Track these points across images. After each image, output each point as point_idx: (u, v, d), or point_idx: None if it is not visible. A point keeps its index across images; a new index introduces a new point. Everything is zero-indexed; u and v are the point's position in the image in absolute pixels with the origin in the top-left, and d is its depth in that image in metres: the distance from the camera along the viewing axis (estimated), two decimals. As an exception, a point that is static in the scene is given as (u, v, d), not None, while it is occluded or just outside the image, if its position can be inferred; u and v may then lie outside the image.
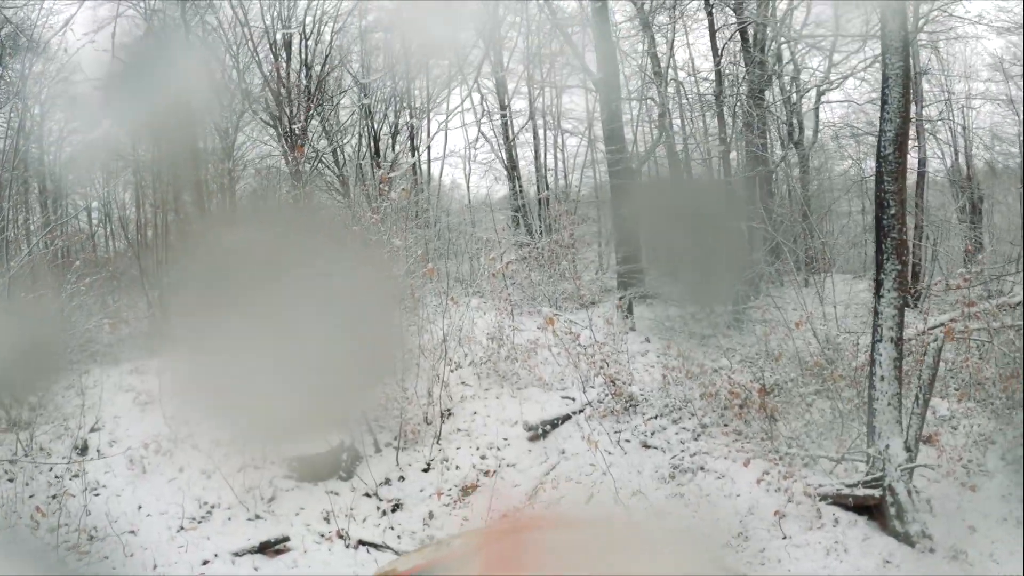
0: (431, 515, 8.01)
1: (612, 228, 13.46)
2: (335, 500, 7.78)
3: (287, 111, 14.34)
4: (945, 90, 14.79)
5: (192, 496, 7.56)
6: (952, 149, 15.19)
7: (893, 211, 7.46)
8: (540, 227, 13.99)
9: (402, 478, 8.53)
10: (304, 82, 14.69)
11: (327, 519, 7.52)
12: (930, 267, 13.82)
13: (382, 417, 9.06)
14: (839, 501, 7.32)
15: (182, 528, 7.19)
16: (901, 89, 7.65)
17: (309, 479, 8.07)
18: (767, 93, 14.37)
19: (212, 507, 7.53)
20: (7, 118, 13.20)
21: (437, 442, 8.94)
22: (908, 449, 7.32)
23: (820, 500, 7.30)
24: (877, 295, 7.50)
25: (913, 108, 13.63)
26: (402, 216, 11.08)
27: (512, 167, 14.72)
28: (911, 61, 13.56)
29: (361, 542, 7.23)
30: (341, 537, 7.27)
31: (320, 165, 15.19)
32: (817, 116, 14.98)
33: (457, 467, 8.57)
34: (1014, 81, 14.02)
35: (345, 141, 15.55)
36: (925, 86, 14.48)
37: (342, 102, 15.48)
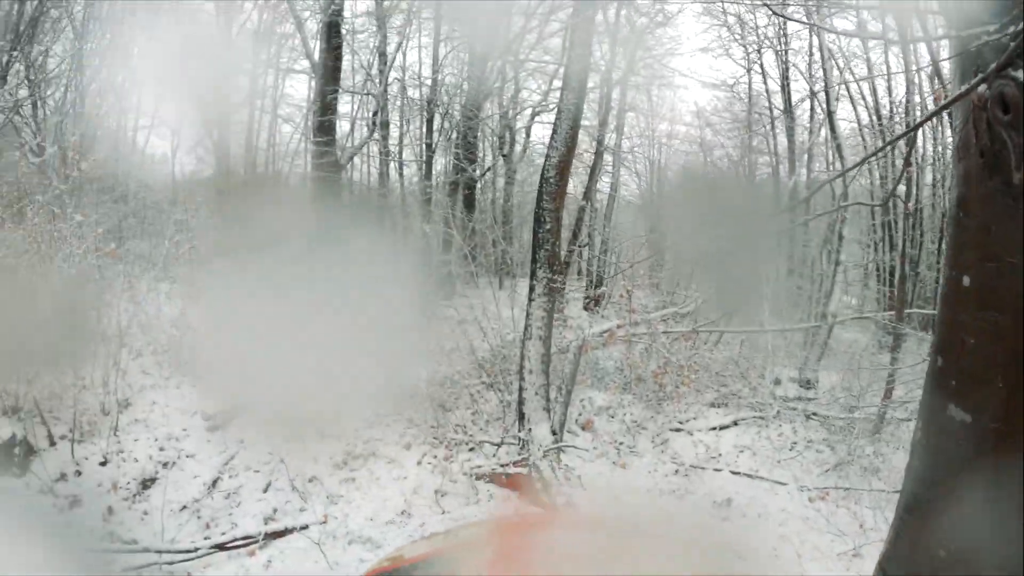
0: (110, 510, 7.87)
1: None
2: (8, 501, 7.43)
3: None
4: (649, 127, 17.19)
5: None
6: (648, 178, 17.65)
7: (548, 226, 8.79)
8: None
9: (79, 472, 8.26)
10: (14, 17, 13.46)
11: None
12: (612, 278, 15.93)
13: (57, 408, 8.76)
14: (494, 479, 8.44)
15: None
16: (571, 123, 8.97)
17: None
18: (485, 105, 15.77)
19: None
20: None
21: (115, 433, 8.81)
22: (554, 432, 8.62)
23: (477, 479, 8.36)
24: (529, 299, 8.80)
25: (614, 138, 15.74)
26: (94, 188, 10.71)
27: (221, 146, 14.64)
28: (624, 97, 15.73)
29: None
30: None
31: (17, 119, 13.98)
32: (529, 133, 16.66)
33: (136, 459, 8.53)
34: (711, 127, 16.63)
35: (49, 93, 14.44)
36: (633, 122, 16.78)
37: (54, 48, 14.39)
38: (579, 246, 15.00)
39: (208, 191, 14.29)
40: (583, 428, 10.22)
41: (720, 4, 14.42)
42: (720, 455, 9.94)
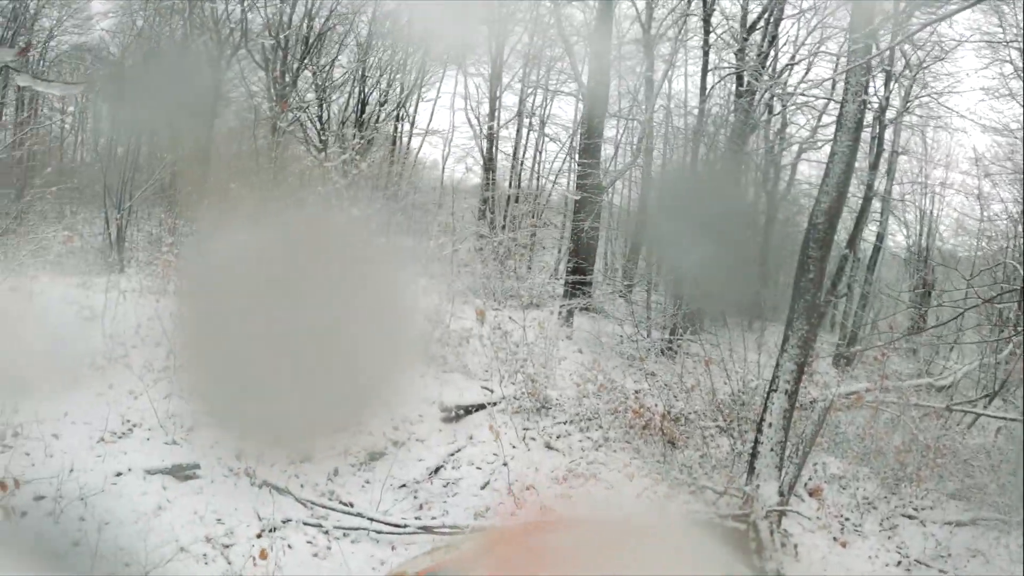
0: (336, 472, 8.83)
1: (568, 237, 14.41)
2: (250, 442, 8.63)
3: (281, 56, 15.06)
4: (923, 173, 15.98)
5: (116, 413, 8.31)
6: (917, 229, 16.40)
7: (811, 275, 8.43)
8: (503, 222, 14.92)
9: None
10: (305, 31, 15.41)
11: (238, 457, 8.29)
12: (869, 335, 14.99)
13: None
14: (709, 528, 8.33)
15: (102, 439, 7.95)
16: (844, 166, 8.49)
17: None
18: (751, 139, 15.47)
19: (134, 426, 8.29)
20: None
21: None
22: (781, 494, 8.36)
23: (691, 524, 8.31)
24: (782, 350, 8.51)
25: (884, 184, 14.84)
26: (369, 186, 11.87)
27: (489, 158, 15.64)
28: (897, 139, 14.83)
29: (266, 483, 8.01)
30: (248, 475, 8.07)
31: (304, 117, 15.94)
32: (794, 170, 16.10)
33: (370, 433, 9.44)
34: (990, 179, 15.19)
35: (333, 99, 16.32)
36: (905, 166, 15.71)
37: (338, 60, 16.25)
38: (836, 297, 14.32)
39: (473, 198, 15.37)
40: (811, 494, 9.78)
41: (1003, 38, 13.01)
42: (950, 555, 9.09)
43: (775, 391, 8.42)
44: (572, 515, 7.52)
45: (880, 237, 15.06)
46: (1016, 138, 13.92)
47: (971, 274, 13.87)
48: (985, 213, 15.37)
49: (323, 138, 15.29)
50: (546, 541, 5.01)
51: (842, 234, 14.61)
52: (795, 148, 16.00)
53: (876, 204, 15.15)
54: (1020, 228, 14.22)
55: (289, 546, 7.28)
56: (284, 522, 7.57)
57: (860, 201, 14.56)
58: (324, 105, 15.96)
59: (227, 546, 6.98)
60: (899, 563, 8.92)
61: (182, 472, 7.79)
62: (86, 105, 16.17)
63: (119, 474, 7.51)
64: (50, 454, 7.47)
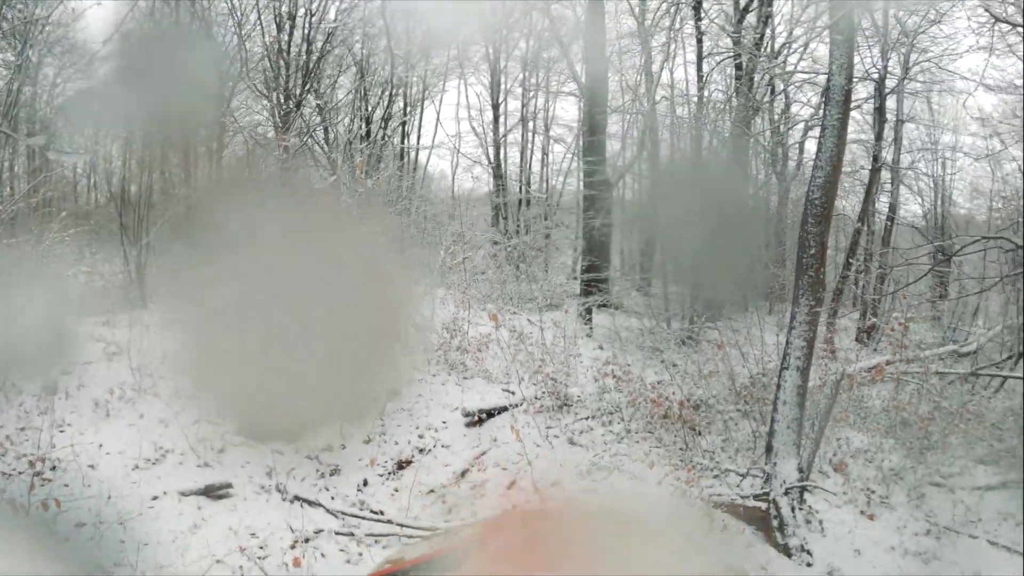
0: (365, 482, 9.26)
1: (581, 236, 14.74)
2: (278, 458, 9.02)
3: (283, 83, 15.52)
4: (931, 139, 16.03)
5: (149, 440, 8.78)
6: (932, 197, 16.45)
7: (813, 251, 8.66)
8: (516, 227, 15.28)
9: (343, 446, 9.74)
10: (304, 56, 15.87)
11: (269, 474, 8.75)
12: (888, 308, 15.05)
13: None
14: (731, 510, 8.60)
15: (137, 467, 8.42)
16: (836, 139, 8.62)
17: (258, 438, 9.16)
18: (755, 120, 15.67)
19: (166, 452, 8.76)
20: (4, 60, 14.34)
21: (380, 418, 10.20)
22: (800, 470, 8.58)
23: (715, 507, 8.57)
24: (789, 327, 8.75)
25: (892, 153, 14.95)
26: (378, 201, 12.27)
27: (496, 165, 16.01)
28: (900, 107, 14.95)
29: (297, 497, 8.45)
30: (279, 491, 8.50)
31: (310, 141, 16.40)
32: (802, 149, 16.24)
33: (396, 442, 9.83)
34: (999, 138, 15.22)
35: (338, 120, 16.79)
36: (914, 134, 15.76)
37: (339, 81, 16.70)
38: (853, 272, 14.46)
39: (484, 206, 15.75)
40: (835, 469, 9.99)
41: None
42: (980, 519, 9.22)
43: (787, 369, 8.64)
44: (569, 504, 7.68)
45: (892, 208, 15.13)
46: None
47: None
48: (998, 174, 15.39)
49: (331, 158, 15.75)
50: (543, 530, 5.02)
51: (856, 208, 14.81)
52: (800, 127, 16.15)
53: (886, 175, 15.23)
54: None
55: (322, 555, 7.69)
56: (316, 532, 7.99)
57: (868, 174, 14.64)
58: (329, 128, 16.42)
59: (262, 558, 7.37)
60: (928, 532, 9.08)
61: (215, 492, 8.23)
62: (96, 149, 16.70)
63: (155, 498, 7.96)
64: (87, 484, 7.93)
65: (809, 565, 8.20)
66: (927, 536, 8.96)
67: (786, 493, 8.43)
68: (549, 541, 4.82)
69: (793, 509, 8.40)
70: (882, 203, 15.28)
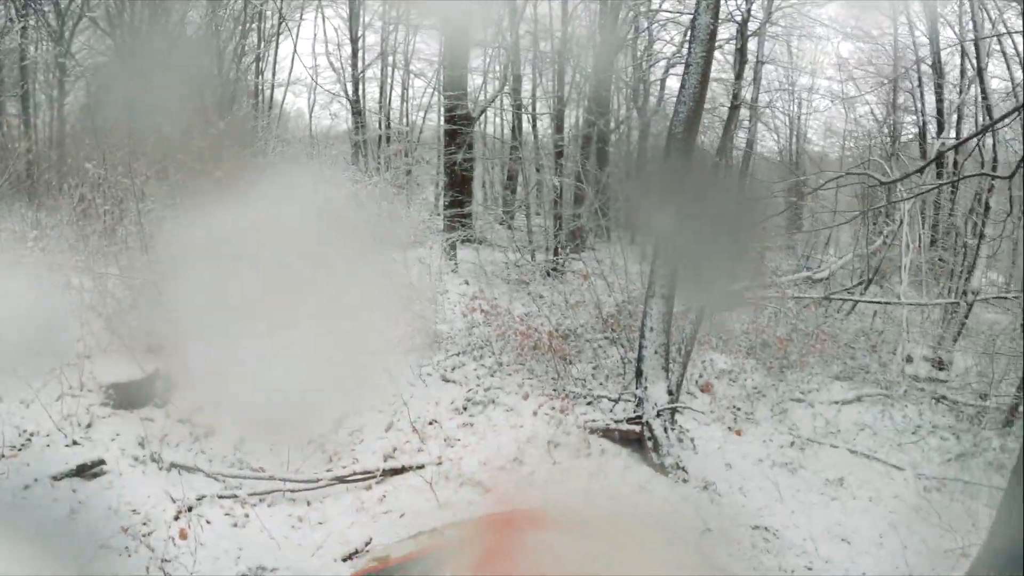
0: (242, 440, 8.74)
1: (443, 172, 14.50)
2: (149, 426, 8.40)
3: (128, 19, 14.28)
4: (789, 81, 16.66)
5: (11, 425, 7.88)
6: (787, 134, 17.16)
7: (675, 183, 8.83)
8: (377, 165, 14.81)
9: (217, 404, 9.18)
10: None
11: (141, 444, 8.14)
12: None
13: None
14: (607, 434, 8.75)
15: (2, 456, 7.52)
16: (699, 76, 8.75)
17: (126, 406, 8.59)
18: (618, 58, 15.77)
19: (31, 435, 7.90)
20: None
21: (248, 368, 9.67)
22: (670, 393, 8.81)
23: (590, 432, 8.69)
24: (654, 256, 8.91)
25: (751, 92, 15.42)
26: (234, 144, 11.49)
27: (355, 101, 15.40)
28: (761, 49, 15.38)
29: (173, 464, 7.89)
30: (155, 460, 7.92)
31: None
32: (663, 86, 16.51)
33: (268, 398, 9.35)
34: (854, 82, 15.99)
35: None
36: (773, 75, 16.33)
37: (188, 16, 15.51)
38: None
39: (344, 144, 15.15)
40: (702, 390, 10.37)
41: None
42: (839, 431, 9.85)
43: (652, 296, 8.82)
44: (560, 508, 7.69)
45: (750, 143, 15.68)
46: (877, 44, 14.73)
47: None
48: (851, 116, 16.19)
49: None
50: (533, 537, 5.05)
51: (715, 143, 15.23)
52: (662, 64, 16.39)
53: (744, 112, 15.70)
54: (885, 129, 15.16)
55: (207, 521, 7.27)
56: (199, 499, 7.53)
57: (727, 110, 15.06)
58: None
59: (146, 535, 6.87)
60: (792, 444, 9.63)
61: (88, 471, 7.56)
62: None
63: (26, 487, 7.19)
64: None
65: (685, 481, 8.48)
66: (791, 448, 9.48)
67: (658, 415, 8.65)
68: (533, 541, 4.89)
69: (666, 430, 8.64)
70: (740, 139, 15.75)
